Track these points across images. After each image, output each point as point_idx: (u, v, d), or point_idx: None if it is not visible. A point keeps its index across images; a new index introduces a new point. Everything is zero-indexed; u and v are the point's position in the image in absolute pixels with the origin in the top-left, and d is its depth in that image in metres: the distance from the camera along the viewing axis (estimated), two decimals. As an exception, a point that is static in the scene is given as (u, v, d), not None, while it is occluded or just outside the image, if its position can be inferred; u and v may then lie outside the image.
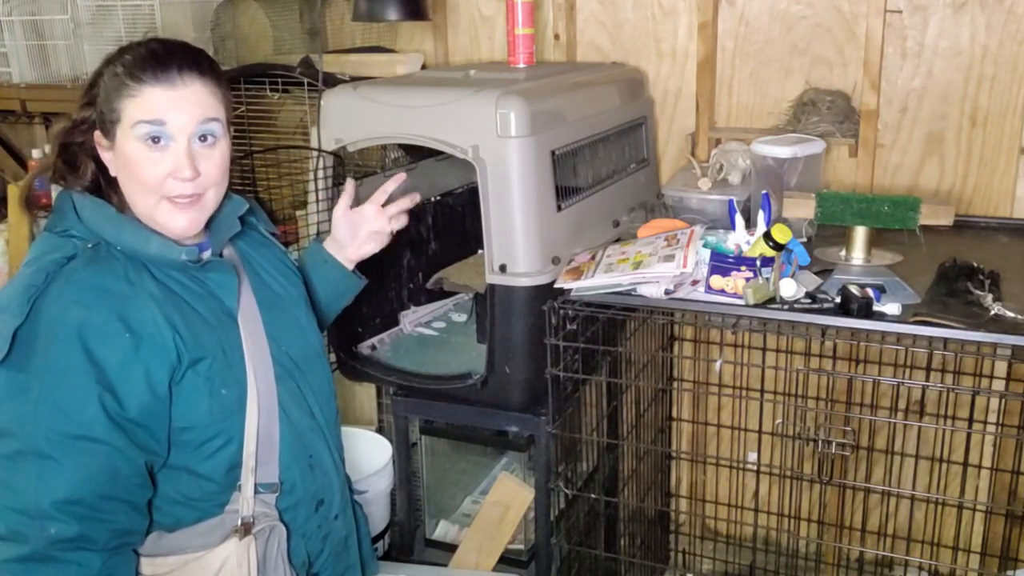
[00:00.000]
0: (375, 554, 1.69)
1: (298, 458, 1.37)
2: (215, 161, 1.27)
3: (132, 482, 1.21)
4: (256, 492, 1.31)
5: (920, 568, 2.48)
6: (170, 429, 1.24)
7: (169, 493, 1.27)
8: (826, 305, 1.65)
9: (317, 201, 1.98)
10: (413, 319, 2.25)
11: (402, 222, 1.65)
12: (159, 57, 1.23)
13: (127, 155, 1.23)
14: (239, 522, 1.30)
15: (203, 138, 1.25)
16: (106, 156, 1.27)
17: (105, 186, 1.30)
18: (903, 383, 2.06)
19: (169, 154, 1.23)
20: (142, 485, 1.23)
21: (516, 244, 1.78)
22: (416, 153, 2.23)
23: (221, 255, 1.36)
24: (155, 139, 1.22)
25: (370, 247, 1.64)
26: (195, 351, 1.24)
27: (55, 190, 1.33)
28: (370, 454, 2.40)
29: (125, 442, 1.18)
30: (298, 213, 2.22)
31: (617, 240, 2.01)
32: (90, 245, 1.23)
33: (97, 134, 1.27)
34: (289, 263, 1.51)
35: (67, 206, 1.27)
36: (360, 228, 1.63)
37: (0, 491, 1.15)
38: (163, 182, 1.23)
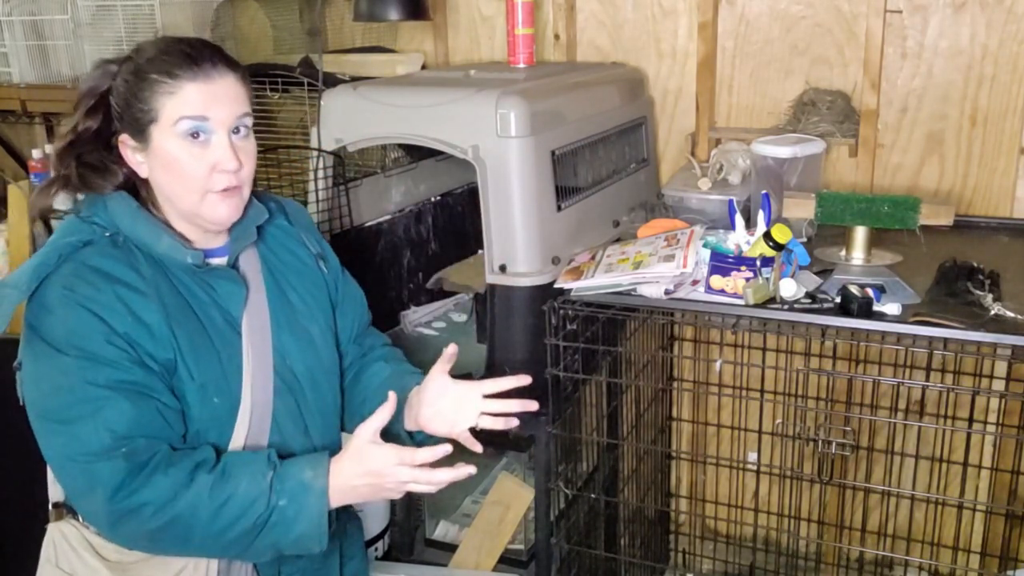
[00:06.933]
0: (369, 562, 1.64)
1: None
2: (250, 152, 1.29)
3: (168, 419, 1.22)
4: None
5: (920, 568, 2.48)
6: None
7: None
8: (826, 305, 1.65)
9: (317, 201, 1.98)
10: (413, 319, 2.25)
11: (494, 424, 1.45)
12: (190, 55, 1.24)
13: (168, 153, 1.23)
14: None
15: (237, 130, 1.26)
16: (133, 158, 1.27)
17: (138, 184, 1.31)
18: (903, 383, 2.06)
19: (211, 148, 1.24)
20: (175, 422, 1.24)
21: (516, 244, 1.78)
22: (416, 153, 2.23)
23: (237, 260, 1.36)
24: (195, 135, 1.23)
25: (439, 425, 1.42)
26: (190, 357, 1.24)
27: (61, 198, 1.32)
28: (370, 454, 2.39)
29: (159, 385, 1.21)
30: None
31: (617, 240, 2.01)
32: (108, 234, 1.24)
33: (124, 136, 1.27)
34: (319, 275, 1.46)
35: (99, 196, 1.29)
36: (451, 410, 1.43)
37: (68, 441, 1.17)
38: (208, 176, 1.24)
